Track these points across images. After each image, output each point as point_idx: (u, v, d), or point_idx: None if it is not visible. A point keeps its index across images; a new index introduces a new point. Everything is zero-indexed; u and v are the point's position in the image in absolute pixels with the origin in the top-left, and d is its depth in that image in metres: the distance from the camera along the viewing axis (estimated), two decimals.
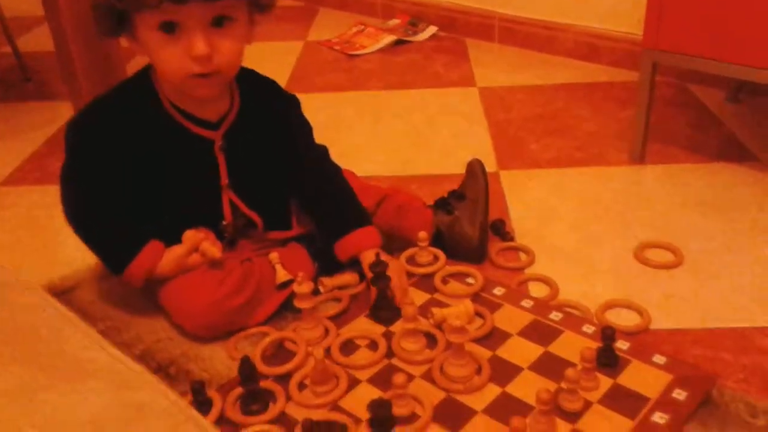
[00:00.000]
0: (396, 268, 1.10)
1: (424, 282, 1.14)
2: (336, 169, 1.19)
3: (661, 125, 1.66)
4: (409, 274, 1.14)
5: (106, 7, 0.94)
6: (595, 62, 2.05)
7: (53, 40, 1.68)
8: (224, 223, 1.09)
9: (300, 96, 1.20)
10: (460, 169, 1.33)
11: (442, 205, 1.24)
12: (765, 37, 1.26)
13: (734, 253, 1.22)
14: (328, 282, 1.13)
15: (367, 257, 1.09)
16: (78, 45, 1.43)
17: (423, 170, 1.55)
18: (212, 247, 1.04)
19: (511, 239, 1.27)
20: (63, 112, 1.83)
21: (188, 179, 1.06)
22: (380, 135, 1.73)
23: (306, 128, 1.18)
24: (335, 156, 1.22)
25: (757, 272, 1.17)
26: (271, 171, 1.12)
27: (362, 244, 1.11)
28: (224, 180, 1.08)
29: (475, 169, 1.27)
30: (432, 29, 2.34)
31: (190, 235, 1.05)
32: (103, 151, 1.02)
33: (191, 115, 1.04)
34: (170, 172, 1.04)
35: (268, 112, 1.10)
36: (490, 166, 1.53)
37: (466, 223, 1.19)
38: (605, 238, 1.28)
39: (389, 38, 2.28)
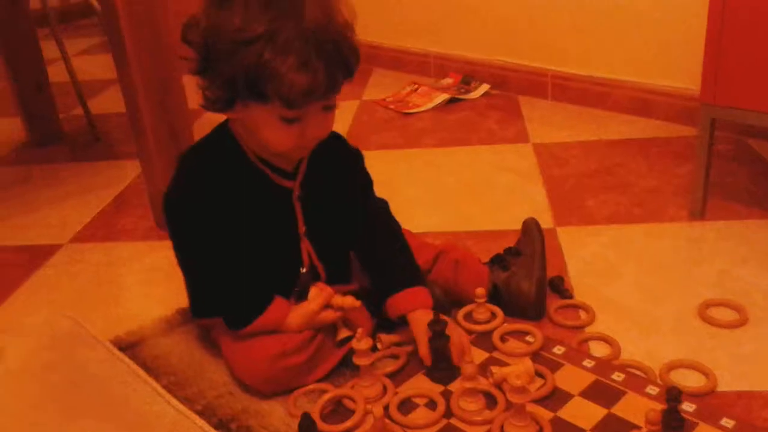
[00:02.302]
0: (455, 326, 1.10)
1: (483, 340, 1.13)
2: (395, 225, 1.20)
3: (721, 181, 1.63)
4: (467, 332, 1.14)
5: (228, 92, 0.96)
6: (650, 117, 2.04)
7: (124, 100, 1.77)
8: (303, 271, 1.11)
9: None
10: (516, 226, 1.34)
11: (498, 261, 1.24)
12: None
13: None
14: (386, 338, 1.14)
15: (416, 317, 1.09)
16: (148, 104, 1.49)
17: (478, 226, 1.55)
18: (348, 299, 1.07)
19: (570, 296, 1.26)
20: (130, 171, 1.91)
21: (270, 228, 1.08)
22: (435, 191, 1.75)
23: (368, 182, 1.21)
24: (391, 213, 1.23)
25: None
26: (338, 221, 1.15)
27: (412, 304, 1.10)
28: (302, 228, 1.10)
29: (530, 226, 1.28)
30: (484, 87, 2.37)
31: (318, 292, 1.08)
32: (205, 216, 1.03)
33: (272, 165, 1.07)
34: (254, 222, 1.06)
35: (335, 164, 1.13)
36: (547, 223, 1.53)
37: (523, 279, 1.19)
38: (667, 296, 1.26)
39: (442, 97, 2.32)
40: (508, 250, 1.26)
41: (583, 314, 1.22)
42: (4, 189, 1.94)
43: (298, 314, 1.06)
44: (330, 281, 1.13)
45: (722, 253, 1.37)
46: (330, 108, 1.00)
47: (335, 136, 1.13)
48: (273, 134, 0.98)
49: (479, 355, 1.09)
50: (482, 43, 2.42)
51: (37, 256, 1.55)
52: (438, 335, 1.05)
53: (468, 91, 2.37)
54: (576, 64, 2.19)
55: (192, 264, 1.08)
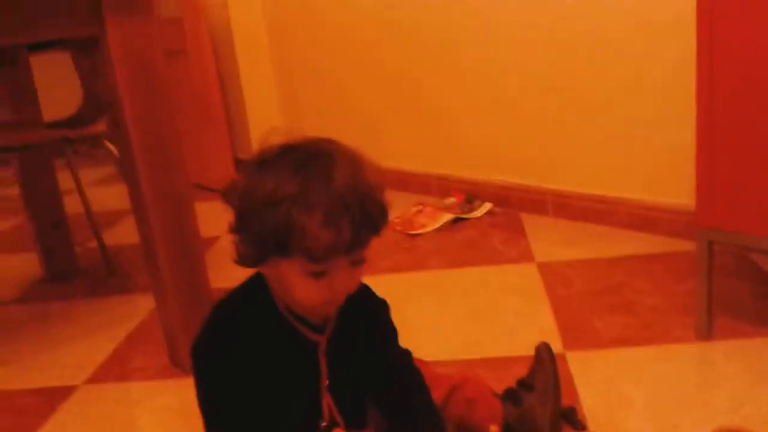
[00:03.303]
0: None
1: None
2: (416, 377, 1.20)
3: (725, 297, 1.66)
4: None
5: (257, 248, 1.00)
6: (651, 233, 2.09)
7: (139, 233, 1.82)
8: (324, 425, 1.12)
9: (366, 279, 1.25)
10: (526, 351, 1.36)
11: (511, 396, 1.25)
12: None
13: None
14: None
15: None
16: (162, 237, 1.54)
17: (488, 353, 1.57)
18: None
19: (584, 428, 1.26)
20: (143, 305, 1.95)
21: (293, 382, 1.09)
22: (443, 316, 1.77)
23: (393, 333, 1.21)
24: (399, 339, 1.25)
25: None
26: (362, 374, 1.15)
27: None
28: (325, 382, 1.11)
29: (542, 355, 1.29)
30: (487, 205, 2.44)
31: None
32: (231, 369, 1.05)
33: (302, 318, 1.09)
34: (278, 376, 1.07)
35: (363, 316, 1.14)
36: (556, 347, 1.53)
37: (538, 418, 1.19)
38: (681, 424, 1.26)
39: (447, 217, 2.38)
40: (521, 384, 1.27)
41: None
42: (20, 328, 1.97)
43: None
44: (348, 428, 1.14)
45: (732, 376, 1.38)
46: (357, 263, 1.02)
47: (363, 288, 1.16)
48: (301, 289, 1.01)
49: None
50: (482, 163, 2.51)
51: (52, 399, 1.56)
52: None
53: (471, 210, 2.44)
54: (574, 183, 2.26)
55: (214, 414, 1.08)
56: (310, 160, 0.98)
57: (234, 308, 1.09)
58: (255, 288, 1.09)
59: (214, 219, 2.74)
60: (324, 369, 1.11)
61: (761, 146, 1.33)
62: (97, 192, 3.06)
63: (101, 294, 2.13)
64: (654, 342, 1.53)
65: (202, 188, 3.09)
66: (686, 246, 1.97)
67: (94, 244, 2.35)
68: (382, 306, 1.21)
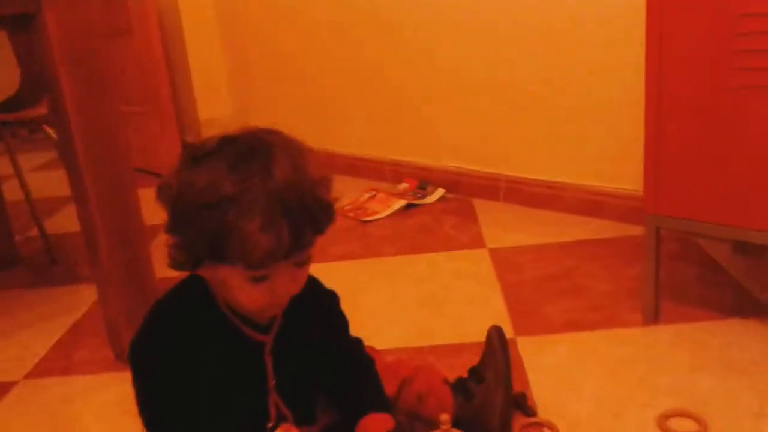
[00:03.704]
0: None
1: None
2: (368, 366, 1.18)
3: (671, 281, 1.69)
4: None
5: (193, 254, 0.94)
6: (600, 218, 2.12)
7: (80, 222, 1.76)
8: (270, 425, 1.08)
9: (316, 266, 1.21)
10: (477, 337, 1.36)
11: (462, 387, 1.24)
12: (764, 201, 1.31)
13: (760, 418, 1.21)
14: None
15: None
16: (104, 226, 1.49)
17: (439, 340, 1.57)
18: None
19: (534, 413, 1.27)
20: (87, 296, 1.89)
21: (237, 382, 1.05)
22: (395, 303, 1.76)
23: (344, 324, 1.19)
24: (351, 327, 1.24)
25: None
26: (310, 370, 1.13)
27: (376, 427, 1.09)
28: (271, 382, 1.07)
29: (493, 342, 1.28)
30: (440, 191, 2.44)
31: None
32: (169, 369, 1.00)
33: (246, 318, 1.04)
34: (221, 376, 1.03)
35: (310, 310, 1.10)
36: (507, 333, 1.53)
37: (488, 413, 1.19)
38: (627, 408, 1.27)
39: (400, 203, 2.37)
40: (472, 373, 1.27)
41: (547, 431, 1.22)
42: None
43: None
44: (297, 423, 1.12)
45: (678, 359, 1.40)
46: (301, 264, 0.98)
47: (310, 281, 1.10)
48: (242, 294, 0.96)
49: None
50: (435, 149, 2.50)
51: None
52: None
53: (424, 196, 2.43)
54: (525, 168, 2.27)
55: (153, 416, 1.05)
56: (248, 155, 0.91)
57: (173, 307, 1.05)
58: (195, 286, 1.04)
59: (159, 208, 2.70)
60: (270, 369, 1.07)
61: (708, 134, 1.34)
62: (37, 178, 2.96)
63: (43, 284, 2.06)
64: (603, 326, 1.55)
65: (148, 173, 3.01)
66: (634, 230, 1.99)
67: (35, 232, 2.27)
68: (330, 298, 1.18)
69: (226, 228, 0.88)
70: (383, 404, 1.14)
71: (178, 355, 1.00)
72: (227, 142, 0.94)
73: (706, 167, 1.37)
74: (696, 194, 1.39)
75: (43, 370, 1.59)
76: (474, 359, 1.36)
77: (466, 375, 1.28)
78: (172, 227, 0.95)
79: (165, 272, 1.78)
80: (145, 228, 1.60)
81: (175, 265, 0.96)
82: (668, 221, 1.45)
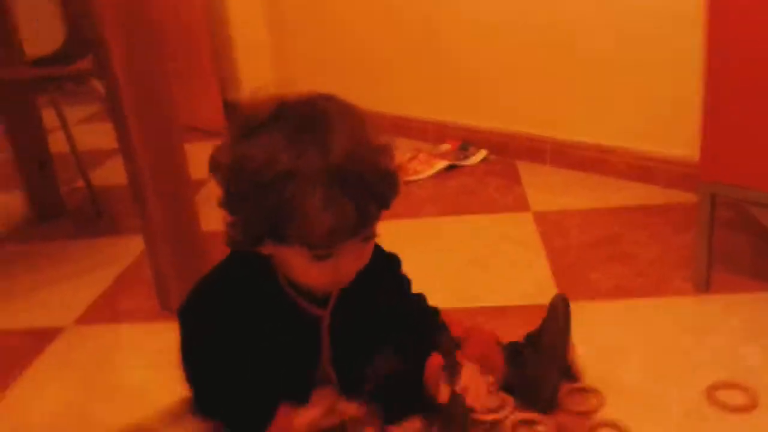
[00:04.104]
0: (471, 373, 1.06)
1: (493, 429, 1.12)
2: (434, 317, 1.17)
3: (723, 250, 1.64)
4: (477, 422, 1.12)
5: (251, 234, 0.90)
6: (650, 183, 2.06)
7: (127, 175, 1.76)
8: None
9: None
10: (522, 300, 1.37)
11: (515, 354, 1.20)
12: None
13: None
14: (393, 430, 1.12)
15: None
16: (151, 179, 1.49)
17: (484, 302, 1.55)
18: (351, 406, 1.03)
19: (579, 379, 1.25)
20: (133, 248, 1.91)
21: (289, 353, 1.03)
22: (437, 264, 1.75)
23: (407, 286, 1.16)
24: None
25: None
26: (366, 339, 1.09)
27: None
28: (326, 356, 1.06)
29: (557, 312, 1.23)
30: (483, 153, 2.40)
31: (321, 397, 1.03)
32: (220, 335, 0.99)
33: (304, 292, 1.00)
34: (274, 347, 1.01)
35: (371, 281, 1.02)
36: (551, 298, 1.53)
37: (541, 385, 1.16)
38: (676, 377, 1.25)
39: (442, 164, 2.34)
40: (528, 339, 1.23)
41: (592, 398, 1.21)
42: (7, 267, 1.93)
43: (301, 423, 1.02)
44: (342, 390, 1.09)
45: (729, 330, 1.37)
46: (367, 239, 0.92)
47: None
48: (304, 272, 0.92)
49: None
50: (479, 110, 2.45)
51: (40, 339, 1.54)
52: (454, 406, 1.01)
53: (467, 157, 2.40)
54: (573, 131, 2.22)
55: (196, 375, 1.04)
56: (304, 126, 0.86)
57: (230, 274, 1.01)
58: (254, 256, 0.98)
59: (204, 161, 2.69)
60: (326, 343, 1.05)
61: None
62: (83, 131, 2.98)
63: (89, 235, 2.09)
64: (651, 294, 1.52)
65: (190, 129, 3.02)
66: (684, 197, 1.94)
67: (80, 184, 2.29)
68: (392, 263, 1.13)
69: (285, 206, 0.83)
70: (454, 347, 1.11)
71: (229, 323, 0.98)
72: (281, 110, 0.88)
73: (765, 134, 1.31)
74: (753, 162, 1.34)
75: (90, 317, 1.62)
76: (517, 322, 1.35)
77: (520, 339, 1.25)
78: (228, 204, 0.90)
79: (210, 225, 1.80)
80: (191, 182, 1.61)
81: (233, 244, 0.92)
82: (724, 188, 1.41)
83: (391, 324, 1.12)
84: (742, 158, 1.36)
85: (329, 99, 0.91)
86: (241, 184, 0.87)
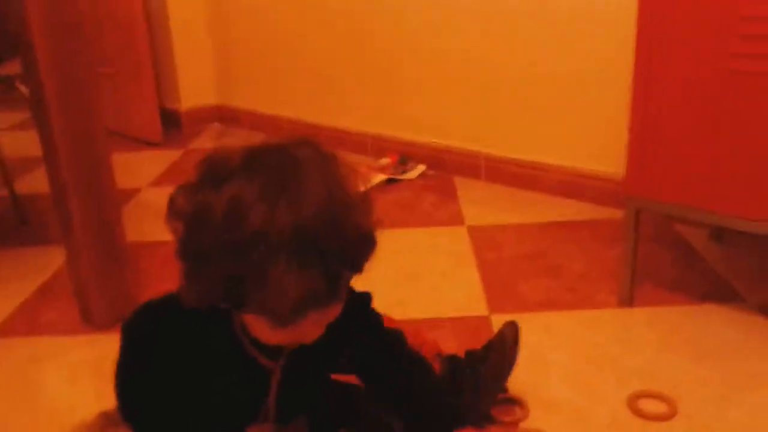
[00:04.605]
0: None
1: None
2: (414, 362, 1.07)
3: (647, 264, 1.69)
4: None
5: (206, 293, 0.81)
6: (580, 200, 2.11)
7: (49, 181, 1.70)
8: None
9: None
10: (456, 312, 1.40)
11: (453, 370, 1.19)
12: (743, 189, 1.31)
13: (728, 404, 1.21)
14: None
15: None
16: (75, 187, 1.45)
17: (414, 314, 1.55)
18: None
19: (506, 390, 1.26)
20: (56, 257, 1.84)
21: (233, 397, 0.98)
22: (372, 277, 1.73)
23: (374, 328, 1.08)
24: None
25: (752, 424, 1.16)
26: (317, 386, 1.05)
27: None
28: (271, 401, 1.01)
29: (506, 341, 1.21)
30: (421, 168, 2.42)
31: (256, 431, 1.00)
32: (162, 357, 0.93)
33: (258, 343, 0.93)
34: (218, 386, 0.96)
35: (332, 331, 0.91)
36: (481, 309, 1.55)
37: (477, 403, 1.16)
38: (599, 388, 1.27)
39: (380, 177, 2.35)
40: (469, 358, 1.21)
41: (518, 410, 1.22)
42: None
43: None
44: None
45: (651, 342, 1.41)
46: (336, 305, 0.85)
47: None
48: (262, 334, 0.86)
49: None
50: (418, 125, 2.47)
51: None
52: None
53: (405, 171, 2.41)
54: (508, 148, 2.26)
55: (128, 393, 0.97)
56: (275, 180, 0.77)
57: (182, 304, 0.89)
58: None
59: (136, 170, 2.64)
60: (273, 392, 1.00)
61: (696, 118, 1.33)
62: (10, 137, 2.89)
63: (11, 244, 2.01)
64: (577, 307, 1.55)
65: (124, 137, 2.96)
66: (613, 213, 1.99)
67: (4, 192, 2.21)
68: (359, 304, 1.05)
69: (250, 272, 0.75)
70: (452, 412, 1.04)
71: (171, 352, 0.92)
72: (252, 160, 0.80)
73: (690, 152, 1.36)
74: (678, 178, 1.39)
75: (9, 329, 1.56)
76: (449, 334, 1.36)
77: (451, 350, 1.25)
78: (184, 255, 0.82)
79: (136, 236, 1.76)
80: (117, 192, 1.57)
81: (187, 302, 0.83)
82: (648, 204, 1.45)
83: (363, 367, 1.06)
84: (666, 174, 1.40)
85: (304, 146, 0.83)
86: (201, 239, 0.78)
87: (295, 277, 0.74)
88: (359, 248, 0.81)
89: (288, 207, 0.76)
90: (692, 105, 1.33)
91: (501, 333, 1.24)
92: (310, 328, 0.84)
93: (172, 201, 0.82)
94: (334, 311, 0.86)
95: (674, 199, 1.40)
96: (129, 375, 0.98)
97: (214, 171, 0.80)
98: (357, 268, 0.82)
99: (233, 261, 0.76)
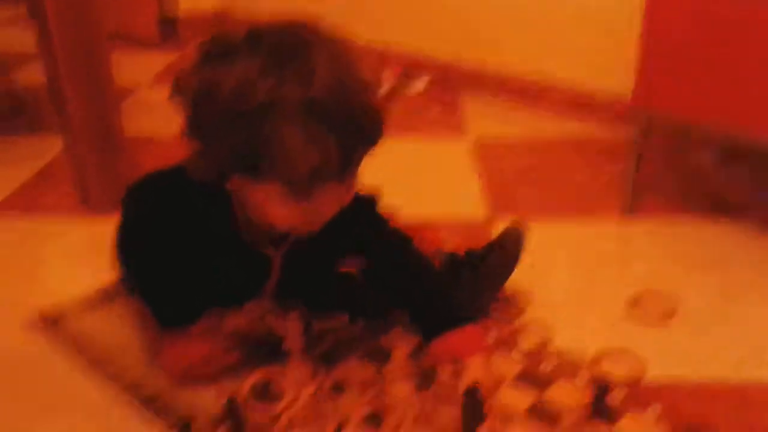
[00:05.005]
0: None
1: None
2: (419, 260, 1.07)
3: (653, 181, 1.67)
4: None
5: (219, 168, 0.82)
6: (587, 118, 2.08)
7: (45, 72, 1.67)
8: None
9: None
10: (453, 217, 1.40)
11: (451, 266, 1.18)
12: (756, 101, 1.29)
13: (725, 308, 1.22)
14: (318, 324, 1.11)
15: (468, 365, 0.94)
16: (71, 78, 1.42)
17: (415, 218, 1.54)
18: (276, 322, 1.00)
19: (504, 290, 1.26)
20: (54, 145, 1.81)
21: (232, 280, 0.99)
22: (372, 182, 1.73)
23: (380, 229, 1.07)
24: None
25: (748, 327, 1.17)
26: (320, 275, 1.05)
27: (461, 349, 0.96)
28: (270, 287, 1.02)
29: (509, 240, 1.19)
30: (425, 80, 2.38)
31: (253, 307, 1.01)
32: (162, 228, 0.93)
33: (259, 230, 0.94)
34: (217, 269, 0.97)
35: (335, 225, 0.92)
36: (481, 215, 1.54)
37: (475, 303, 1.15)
38: (597, 291, 1.28)
39: (383, 88, 2.31)
40: (469, 257, 1.19)
41: (515, 306, 1.22)
42: None
43: (228, 325, 1.00)
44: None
45: (651, 251, 1.41)
46: (349, 183, 0.86)
47: None
48: (276, 213, 0.85)
49: (410, 342, 1.08)
50: (424, 36, 2.42)
51: None
52: (471, 410, 0.90)
53: (409, 84, 2.37)
54: (516, 63, 2.21)
55: (134, 263, 0.99)
56: (284, 54, 0.77)
57: (184, 183, 0.88)
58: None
59: (133, 70, 2.59)
60: (273, 279, 1.00)
61: (708, 29, 1.30)
62: (10, 32, 2.81)
63: (7, 132, 1.98)
64: (579, 215, 1.54)
65: (123, 38, 2.89)
66: (620, 132, 1.96)
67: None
68: (366, 204, 1.04)
69: (263, 140, 0.75)
70: (459, 310, 1.03)
71: (172, 225, 0.92)
72: (257, 36, 0.79)
73: (701, 63, 1.33)
74: (688, 90, 1.36)
75: (7, 209, 1.55)
76: (445, 237, 1.35)
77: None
78: (193, 132, 0.82)
79: (133, 132, 1.72)
80: (114, 83, 1.53)
81: (196, 174, 0.84)
82: (657, 116, 1.42)
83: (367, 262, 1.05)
84: (676, 86, 1.37)
85: (311, 26, 0.83)
86: (210, 113, 0.78)
87: (310, 144, 0.75)
88: (370, 123, 0.81)
89: (297, 81, 0.76)
90: (705, 12, 1.29)
91: (504, 234, 1.23)
92: (323, 206, 0.84)
93: (176, 80, 0.82)
94: (348, 191, 0.87)
95: (684, 112, 1.38)
96: (129, 241, 0.98)
97: (219, 48, 0.79)
98: (370, 142, 0.82)
99: (244, 133, 0.76)
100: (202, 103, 0.79)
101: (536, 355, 1.06)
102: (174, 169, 0.93)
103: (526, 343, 1.11)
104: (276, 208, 0.84)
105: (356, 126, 0.79)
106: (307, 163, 0.76)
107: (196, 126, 0.81)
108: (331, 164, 0.77)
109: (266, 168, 0.78)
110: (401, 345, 0.98)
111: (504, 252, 1.20)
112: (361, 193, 1.00)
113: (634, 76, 1.41)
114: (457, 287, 1.14)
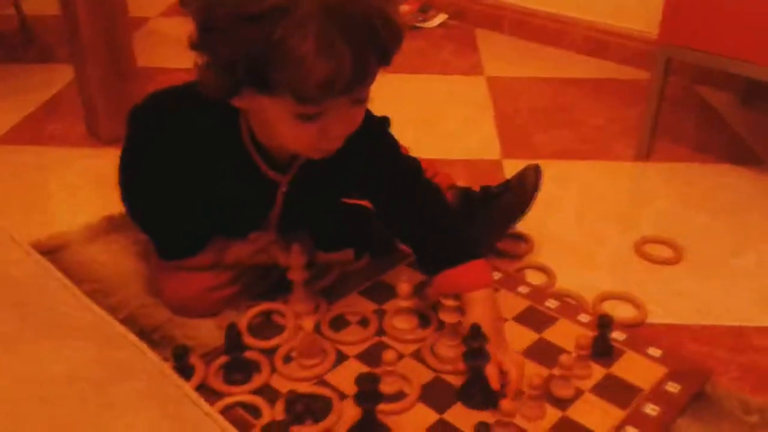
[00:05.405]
0: (498, 343, 0.90)
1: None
2: (429, 190, 1.02)
3: (669, 125, 1.63)
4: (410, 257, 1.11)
5: (229, 79, 0.78)
6: (605, 58, 2.02)
7: (60, 5, 1.64)
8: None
9: None
10: (468, 155, 1.37)
11: (465, 200, 1.17)
12: None
13: (734, 254, 1.20)
14: (323, 256, 1.11)
15: (471, 301, 0.91)
16: (85, 5, 1.40)
17: (431, 154, 1.51)
18: (280, 253, 1.00)
19: (515, 228, 1.25)
20: (62, 76, 1.80)
21: (238, 205, 0.98)
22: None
23: (389, 151, 1.02)
24: None
25: (756, 273, 1.16)
26: (327, 202, 1.04)
27: (466, 283, 0.93)
28: (275, 214, 1.01)
29: (527, 180, 1.17)
30: (442, 17, 2.31)
31: (257, 237, 1.00)
32: (167, 145, 0.92)
33: (267, 154, 0.93)
34: (222, 194, 0.96)
35: (348, 148, 0.88)
36: (494, 154, 1.51)
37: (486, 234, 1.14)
38: (606, 231, 1.26)
39: None
40: (484, 192, 1.18)
41: (523, 244, 1.21)
42: None
43: (232, 254, 1.00)
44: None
45: (664, 194, 1.38)
46: (361, 101, 0.82)
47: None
48: (285, 131, 0.82)
49: (416, 278, 1.07)
50: None
51: None
52: (474, 354, 0.86)
53: (425, 20, 2.31)
54: (535, 1, 2.14)
55: (137, 187, 0.98)
56: None
57: (192, 102, 0.86)
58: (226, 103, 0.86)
59: (145, 1, 2.55)
60: (278, 205, 0.99)
61: None
62: None
63: (17, 60, 1.96)
64: (593, 157, 1.51)
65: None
66: (638, 74, 1.91)
67: (11, 10, 2.13)
68: (376, 125, 0.99)
69: (273, 48, 0.71)
70: (467, 246, 0.97)
71: (179, 147, 0.91)
72: None
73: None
74: (715, 26, 1.31)
75: (12, 138, 1.54)
76: (460, 174, 1.34)
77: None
78: (202, 42, 0.78)
79: (145, 62, 1.70)
80: (127, 11, 1.50)
81: (205, 89, 0.80)
82: (681, 52, 1.38)
83: (374, 189, 1.01)
84: (701, 22, 1.32)
85: None
86: (219, 18, 0.74)
87: (322, 54, 0.71)
88: (388, 35, 0.77)
89: None
90: None
91: (521, 174, 1.19)
92: (333, 125, 0.81)
93: None
94: (358, 114, 0.83)
95: (707, 48, 1.33)
96: (134, 162, 0.97)
97: None
98: (385, 57, 0.78)
99: (255, 38, 0.72)
100: (211, 9, 0.76)
101: (540, 293, 1.06)
102: (182, 87, 0.91)
103: (531, 281, 1.10)
104: (287, 126, 0.81)
105: (373, 37, 0.74)
106: (319, 71, 0.72)
107: (206, 32, 0.78)
108: (343, 75, 0.73)
109: (277, 79, 0.74)
110: (405, 281, 0.97)
111: (520, 191, 1.18)
112: (371, 118, 0.97)
113: (662, 10, 1.36)
114: (468, 222, 1.12)
